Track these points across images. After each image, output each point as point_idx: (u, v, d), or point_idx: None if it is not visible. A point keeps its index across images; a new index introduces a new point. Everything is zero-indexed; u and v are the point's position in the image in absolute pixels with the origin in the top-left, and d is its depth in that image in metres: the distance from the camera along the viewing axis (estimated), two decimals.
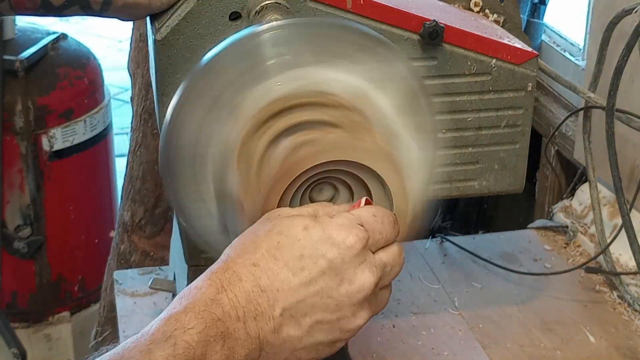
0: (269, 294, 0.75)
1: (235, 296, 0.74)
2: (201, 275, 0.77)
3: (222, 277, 0.75)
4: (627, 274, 1.42)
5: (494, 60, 1.07)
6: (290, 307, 0.75)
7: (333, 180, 0.84)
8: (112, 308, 1.91)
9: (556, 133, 1.68)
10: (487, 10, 1.17)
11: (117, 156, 2.77)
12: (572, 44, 1.79)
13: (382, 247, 0.80)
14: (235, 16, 1.00)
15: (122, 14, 1.02)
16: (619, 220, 1.36)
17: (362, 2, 1.02)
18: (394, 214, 0.82)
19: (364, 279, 0.77)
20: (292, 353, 0.77)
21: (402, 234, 0.84)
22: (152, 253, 2.02)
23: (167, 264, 1.50)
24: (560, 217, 1.62)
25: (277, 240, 0.77)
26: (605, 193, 1.51)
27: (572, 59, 1.75)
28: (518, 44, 1.09)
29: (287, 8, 0.99)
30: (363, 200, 0.82)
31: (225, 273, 0.75)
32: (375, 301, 0.80)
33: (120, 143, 3.24)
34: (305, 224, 0.77)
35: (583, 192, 1.60)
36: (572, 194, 1.66)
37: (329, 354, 0.79)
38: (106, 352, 0.71)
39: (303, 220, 0.78)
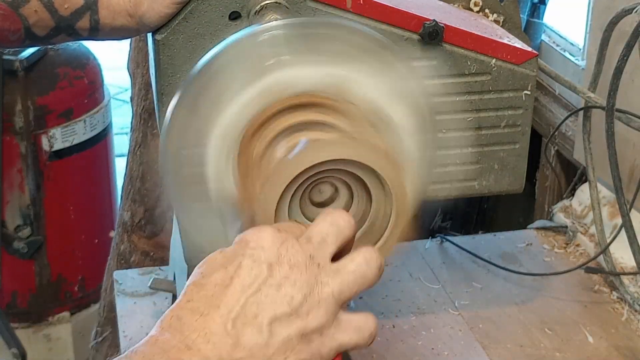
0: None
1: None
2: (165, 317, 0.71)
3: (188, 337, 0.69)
4: (627, 274, 1.42)
5: (493, 60, 1.07)
6: (237, 315, 0.70)
7: (333, 180, 0.84)
8: (112, 308, 1.91)
9: (556, 133, 1.68)
10: (487, 10, 1.17)
11: (117, 156, 2.77)
12: (572, 43, 1.79)
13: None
14: (235, 16, 1.00)
15: (111, 37, 1.03)
16: (619, 220, 1.36)
17: (361, 2, 1.02)
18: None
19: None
20: None
21: (402, 234, 0.84)
22: (152, 253, 2.02)
23: (167, 264, 1.50)
24: (560, 217, 1.62)
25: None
26: (605, 193, 1.51)
27: (572, 58, 1.75)
28: (518, 43, 1.09)
29: (287, 8, 0.99)
30: None
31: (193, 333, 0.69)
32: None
33: (120, 143, 3.23)
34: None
35: (583, 192, 1.60)
36: (572, 194, 1.66)
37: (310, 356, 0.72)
38: None
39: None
